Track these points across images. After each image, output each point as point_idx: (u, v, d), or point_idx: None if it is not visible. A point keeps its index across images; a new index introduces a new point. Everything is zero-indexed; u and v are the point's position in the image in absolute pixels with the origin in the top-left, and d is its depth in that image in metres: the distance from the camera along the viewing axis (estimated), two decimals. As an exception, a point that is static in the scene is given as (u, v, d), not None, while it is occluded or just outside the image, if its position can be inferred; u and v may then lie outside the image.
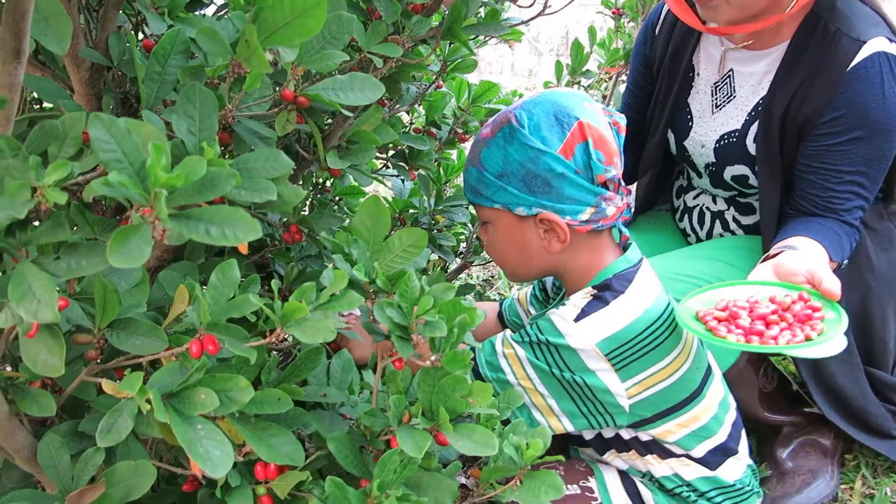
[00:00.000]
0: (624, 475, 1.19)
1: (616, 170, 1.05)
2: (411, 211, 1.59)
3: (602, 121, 1.05)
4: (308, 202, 1.76)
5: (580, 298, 1.05)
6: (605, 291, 1.04)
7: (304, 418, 0.79)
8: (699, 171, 1.51)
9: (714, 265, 1.39)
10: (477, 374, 1.09)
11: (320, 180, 1.80)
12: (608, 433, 1.16)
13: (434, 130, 1.30)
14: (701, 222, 1.57)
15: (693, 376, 1.11)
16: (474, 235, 1.67)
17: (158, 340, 0.67)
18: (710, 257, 1.42)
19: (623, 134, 1.08)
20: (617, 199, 1.06)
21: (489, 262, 1.95)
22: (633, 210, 1.11)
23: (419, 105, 1.24)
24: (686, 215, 1.61)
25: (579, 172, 1.02)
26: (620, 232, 1.13)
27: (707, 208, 1.55)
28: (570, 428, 1.07)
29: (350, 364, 0.88)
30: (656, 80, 1.55)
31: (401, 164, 1.22)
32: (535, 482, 0.75)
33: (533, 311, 1.38)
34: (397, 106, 1.20)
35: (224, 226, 0.50)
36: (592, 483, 1.18)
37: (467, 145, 1.48)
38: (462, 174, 1.25)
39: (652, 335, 1.04)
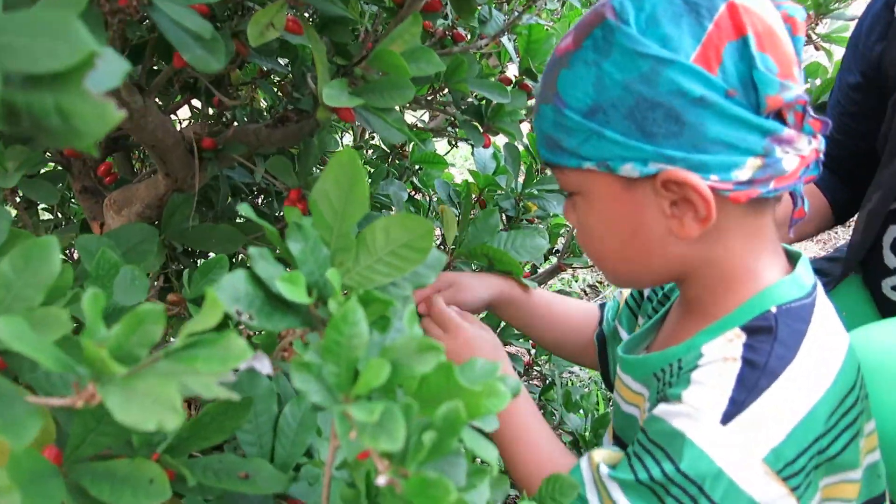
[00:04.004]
0: None
1: (798, 88, 0.61)
2: (499, 192, 1.24)
3: (768, 6, 0.62)
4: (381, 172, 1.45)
5: (720, 367, 0.63)
6: (766, 342, 0.62)
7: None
8: None
9: None
10: None
11: (398, 143, 1.48)
12: None
13: (530, 83, 0.94)
14: None
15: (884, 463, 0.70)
16: (575, 230, 1.30)
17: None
18: None
19: (801, 36, 0.64)
20: (800, 140, 0.62)
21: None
22: (821, 164, 0.67)
23: (511, 39, 0.89)
24: None
25: (733, 95, 0.59)
26: (796, 200, 0.68)
27: None
28: None
29: (313, 418, 0.55)
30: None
31: (473, 122, 0.87)
32: None
33: (624, 333, 0.93)
34: (478, 41, 0.85)
35: None
36: None
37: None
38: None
39: (847, 416, 0.63)
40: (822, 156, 0.66)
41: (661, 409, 0.64)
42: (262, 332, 0.57)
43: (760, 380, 0.60)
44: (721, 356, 0.63)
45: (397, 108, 1.25)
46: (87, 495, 0.43)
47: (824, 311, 0.67)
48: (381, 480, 0.34)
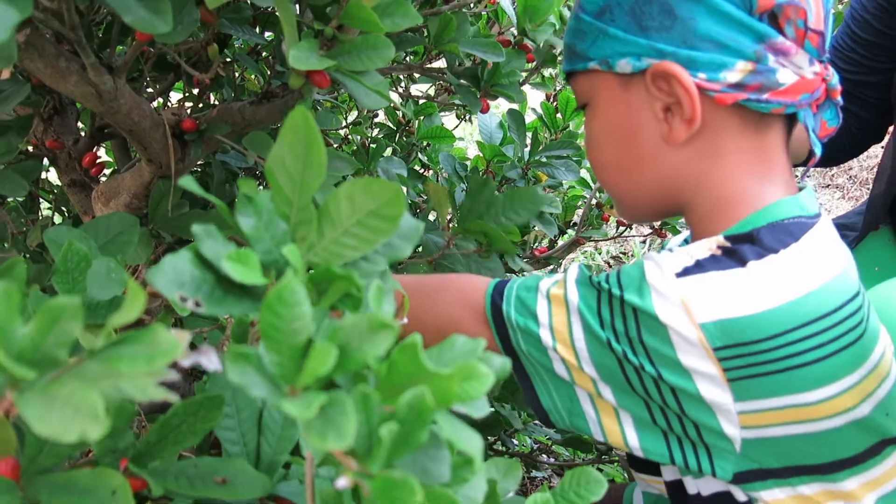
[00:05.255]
0: None
1: (801, 2, 0.60)
2: (507, 163, 1.18)
3: None
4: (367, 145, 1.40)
5: (699, 247, 0.61)
6: (745, 245, 0.59)
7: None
8: None
9: None
10: (496, 311, 0.66)
11: (402, 116, 1.43)
12: (699, 486, 0.66)
13: (530, 42, 0.87)
14: None
15: (859, 434, 0.61)
16: (593, 200, 1.24)
17: None
18: None
19: None
20: (799, 56, 0.61)
21: (617, 235, 1.50)
22: (839, 105, 0.65)
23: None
24: None
25: None
26: (811, 151, 0.66)
27: None
28: (635, 444, 0.62)
29: (299, 411, 0.51)
30: None
31: (470, 87, 0.82)
32: None
33: None
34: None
35: None
36: None
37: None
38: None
39: (810, 341, 0.57)
40: (839, 97, 0.64)
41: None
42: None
43: (730, 261, 0.59)
44: (701, 243, 0.62)
45: (391, 75, 1.19)
46: (45, 509, 0.40)
47: (824, 232, 0.63)
48: (340, 483, 0.29)
